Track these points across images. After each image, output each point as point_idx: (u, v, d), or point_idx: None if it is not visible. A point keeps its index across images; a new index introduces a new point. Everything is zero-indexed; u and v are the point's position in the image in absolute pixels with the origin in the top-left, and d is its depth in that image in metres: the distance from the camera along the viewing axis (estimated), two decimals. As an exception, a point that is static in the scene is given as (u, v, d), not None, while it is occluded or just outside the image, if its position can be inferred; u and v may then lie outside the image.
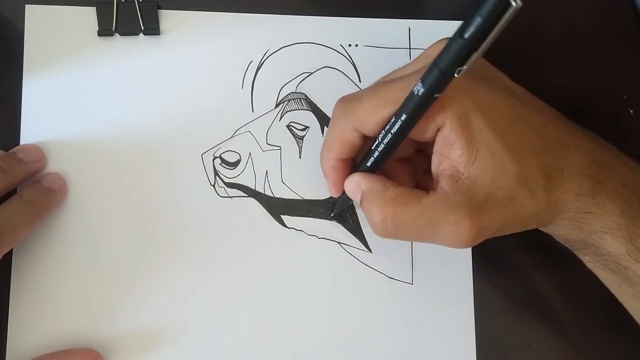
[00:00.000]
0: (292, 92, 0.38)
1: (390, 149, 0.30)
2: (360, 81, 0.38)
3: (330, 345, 0.36)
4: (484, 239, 0.29)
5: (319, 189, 0.37)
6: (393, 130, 0.29)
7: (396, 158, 0.34)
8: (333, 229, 0.37)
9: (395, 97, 0.29)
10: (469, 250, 0.37)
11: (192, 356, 0.35)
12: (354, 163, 0.33)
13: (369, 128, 0.30)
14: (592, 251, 0.31)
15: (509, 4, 0.21)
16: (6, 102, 0.36)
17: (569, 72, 0.39)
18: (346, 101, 0.32)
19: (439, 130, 0.29)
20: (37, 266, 0.34)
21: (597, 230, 0.30)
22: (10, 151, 0.34)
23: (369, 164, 0.31)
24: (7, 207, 0.32)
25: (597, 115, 0.39)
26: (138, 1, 0.37)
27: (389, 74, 0.33)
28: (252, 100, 0.37)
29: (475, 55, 0.24)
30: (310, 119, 0.38)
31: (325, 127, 0.38)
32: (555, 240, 0.33)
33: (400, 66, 0.32)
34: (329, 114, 0.38)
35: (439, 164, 0.30)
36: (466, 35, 0.24)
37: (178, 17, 0.37)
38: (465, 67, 0.25)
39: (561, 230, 0.32)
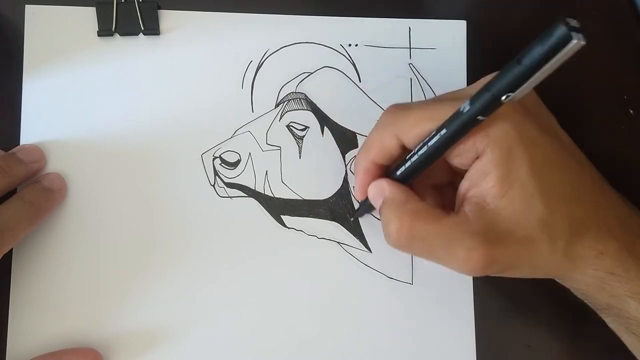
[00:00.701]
0: (292, 92, 0.38)
1: (424, 162, 0.30)
2: (360, 81, 0.38)
3: (331, 345, 0.36)
4: (492, 271, 0.29)
5: (319, 189, 0.37)
6: (430, 143, 0.29)
7: (429, 183, 0.34)
8: (333, 229, 0.37)
9: (443, 115, 0.28)
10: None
11: (192, 356, 0.35)
12: (386, 172, 0.33)
13: (410, 139, 0.30)
14: (614, 313, 0.31)
15: (570, 39, 0.22)
16: (6, 102, 0.36)
17: (569, 72, 0.39)
18: (396, 108, 0.31)
19: (477, 157, 0.29)
20: (37, 266, 0.34)
21: (621, 293, 0.30)
22: (10, 151, 0.35)
23: (399, 172, 0.31)
24: (7, 207, 0.32)
25: (597, 115, 0.39)
26: (138, 1, 0.37)
27: (443, 94, 0.32)
28: (252, 100, 0.37)
29: (527, 84, 0.24)
30: (310, 119, 0.38)
31: (325, 127, 0.38)
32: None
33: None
34: (329, 114, 0.38)
35: (467, 189, 0.30)
36: (523, 62, 0.24)
37: (178, 17, 0.37)
38: (513, 94, 0.25)
39: (581, 286, 0.31)
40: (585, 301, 0.33)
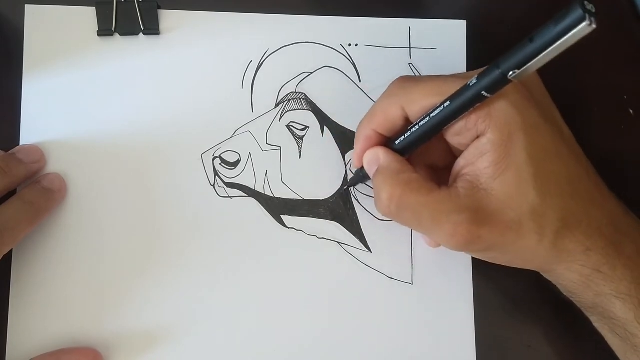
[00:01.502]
0: (292, 92, 0.38)
1: (424, 135, 0.30)
2: (360, 81, 0.38)
3: (330, 345, 0.36)
4: (476, 249, 0.30)
5: (319, 189, 0.37)
6: (432, 114, 0.29)
7: (425, 162, 0.34)
8: (333, 229, 0.37)
9: (450, 90, 0.28)
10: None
11: (192, 355, 0.35)
12: (386, 144, 0.33)
13: (415, 111, 0.30)
14: (599, 312, 0.31)
15: (584, 20, 0.22)
16: (6, 102, 0.36)
17: (569, 71, 0.39)
18: (405, 80, 0.32)
19: (477, 137, 0.29)
20: (37, 266, 0.34)
21: (606, 292, 0.30)
22: (10, 152, 0.34)
23: (397, 142, 0.31)
24: (6, 207, 0.32)
25: (597, 115, 0.39)
26: (138, 1, 0.37)
27: (456, 73, 0.32)
28: (252, 100, 0.37)
29: (534, 62, 0.24)
30: (310, 118, 0.38)
31: (325, 127, 0.38)
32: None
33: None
34: (329, 114, 0.38)
35: (462, 167, 0.30)
36: (536, 39, 0.24)
37: (178, 17, 0.37)
38: (519, 70, 0.25)
39: (566, 282, 0.31)
40: (572, 299, 0.33)
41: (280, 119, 0.37)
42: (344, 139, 0.37)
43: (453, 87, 0.28)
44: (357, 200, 0.37)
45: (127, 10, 0.37)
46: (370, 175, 0.32)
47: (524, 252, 0.30)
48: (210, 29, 0.37)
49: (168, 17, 0.37)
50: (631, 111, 0.39)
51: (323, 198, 0.37)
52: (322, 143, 0.37)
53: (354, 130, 0.37)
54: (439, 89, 0.29)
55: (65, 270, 0.35)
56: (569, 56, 0.39)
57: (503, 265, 0.37)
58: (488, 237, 0.29)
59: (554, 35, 0.23)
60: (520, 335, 0.37)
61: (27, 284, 0.34)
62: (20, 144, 0.35)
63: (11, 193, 0.34)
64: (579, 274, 0.30)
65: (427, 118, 0.29)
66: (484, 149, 0.29)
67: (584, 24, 0.22)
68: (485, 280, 0.37)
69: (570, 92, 0.39)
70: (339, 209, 0.37)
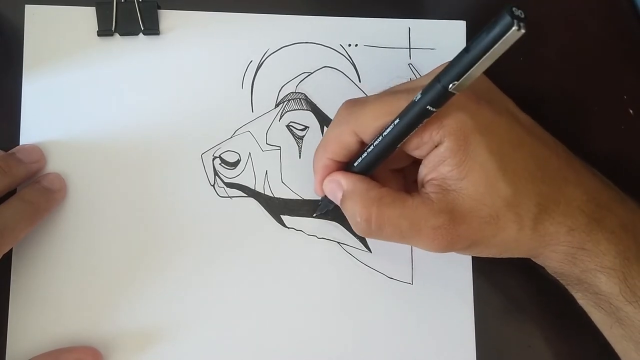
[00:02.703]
0: (292, 92, 0.38)
1: (380, 154, 0.30)
2: (360, 81, 0.38)
3: (330, 345, 0.36)
4: (459, 248, 0.30)
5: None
6: (385, 133, 0.29)
7: (388, 168, 0.34)
8: (333, 229, 0.37)
9: (398, 108, 0.29)
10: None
11: (191, 355, 0.35)
12: (345, 169, 0.33)
13: (368, 134, 0.30)
14: (584, 288, 0.31)
15: (512, 26, 0.23)
16: (6, 102, 0.36)
17: (569, 72, 0.39)
18: (351, 104, 0.32)
19: (436, 147, 0.29)
20: (37, 266, 0.34)
21: (591, 268, 0.30)
22: (10, 151, 0.34)
23: (356, 164, 0.32)
24: (6, 207, 0.32)
25: (597, 115, 0.39)
26: (138, 1, 0.37)
27: (397, 85, 0.33)
28: (251, 100, 0.37)
29: (472, 71, 0.25)
30: (310, 119, 0.38)
31: (325, 127, 0.38)
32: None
33: (406, 81, 0.33)
34: (329, 114, 0.38)
35: (427, 174, 0.30)
36: (471, 50, 0.24)
37: (178, 17, 0.37)
38: (458, 82, 0.25)
39: (553, 263, 0.32)
40: (559, 279, 0.33)
41: (280, 119, 0.37)
42: (344, 139, 0.37)
43: (401, 104, 0.29)
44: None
45: (127, 10, 0.37)
46: (337, 202, 0.32)
47: (506, 243, 0.30)
48: (210, 29, 0.37)
49: (168, 17, 0.37)
50: (631, 111, 0.39)
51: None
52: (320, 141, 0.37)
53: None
54: (387, 108, 0.30)
55: (65, 270, 0.35)
56: (569, 56, 0.39)
57: (503, 266, 0.37)
58: (467, 235, 0.29)
59: (487, 43, 0.24)
60: (520, 335, 0.37)
61: (27, 284, 0.34)
62: (20, 143, 0.35)
63: (11, 193, 0.34)
64: (564, 253, 0.30)
65: (380, 137, 0.29)
66: (443, 156, 0.29)
67: (512, 29, 0.23)
68: (485, 280, 0.37)
69: (570, 92, 0.39)
70: (339, 209, 0.37)
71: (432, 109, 0.27)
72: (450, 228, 0.29)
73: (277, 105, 0.37)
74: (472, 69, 0.25)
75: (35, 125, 0.36)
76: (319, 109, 0.38)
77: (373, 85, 0.38)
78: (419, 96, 0.27)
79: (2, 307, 0.34)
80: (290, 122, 0.37)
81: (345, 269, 0.36)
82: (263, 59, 0.38)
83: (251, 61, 0.38)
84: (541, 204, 0.29)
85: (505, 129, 0.30)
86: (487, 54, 0.24)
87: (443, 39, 0.38)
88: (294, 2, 0.38)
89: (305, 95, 0.38)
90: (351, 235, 0.37)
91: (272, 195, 0.37)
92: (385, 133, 0.29)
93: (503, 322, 0.37)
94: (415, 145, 0.30)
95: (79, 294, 0.34)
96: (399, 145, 0.30)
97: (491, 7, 0.39)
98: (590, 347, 0.37)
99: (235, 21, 0.38)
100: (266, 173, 0.37)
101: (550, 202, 0.30)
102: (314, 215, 0.37)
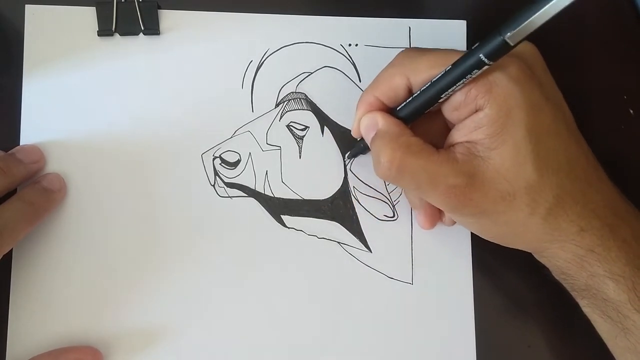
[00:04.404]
0: (292, 92, 0.38)
1: (425, 102, 0.30)
2: (360, 81, 0.38)
3: (330, 345, 0.36)
4: (467, 212, 0.30)
5: (319, 189, 0.37)
6: (434, 80, 0.29)
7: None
8: (333, 229, 0.37)
9: (454, 61, 0.29)
10: (469, 249, 0.37)
11: (191, 355, 0.35)
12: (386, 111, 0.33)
13: (419, 81, 0.31)
14: (592, 294, 0.31)
15: None
16: (6, 102, 0.36)
17: (569, 72, 0.39)
18: (411, 50, 0.33)
19: (475, 112, 0.29)
20: (37, 266, 0.34)
21: (600, 273, 0.30)
22: (10, 152, 0.34)
23: (398, 108, 0.32)
24: (6, 207, 0.32)
25: (597, 115, 0.39)
26: (138, 1, 0.37)
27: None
28: (252, 100, 0.37)
29: (530, 20, 0.25)
30: (310, 119, 0.38)
31: (325, 127, 0.38)
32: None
33: None
34: (329, 114, 0.38)
35: (458, 137, 0.30)
36: (535, 3, 0.25)
37: (178, 17, 0.37)
38: (516, 30, 0.25)
39: (560, 262, 0.31)
40: (564, 283, 0.33)
41: (280, 119, 0.37)
42: (344, 139, 0.37)
43: (457, 57, 0.29)
44: (357, 200, 0.37)
45: (127, 10, 0.37)
46: (367, 140, 0.33)
47: (514, 224, 0.30)
48: (210, 29, 0.37)
49: (168, 17, 0.37)
50: (631, 111, 0.39)
51: (323, 198, 0.37)
52: (322, 143, 0.37)
53: (354, 130, 0.37)
54: (444, 59, 0.30)
55: (65, 270, 0.35)
56: (569, 56, 0.39)
57: (504, 266, 0.37)
58: (480, 202, 0.29)
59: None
60: (520, 335, 0.37)
61: (27, 284, 0.34)
62: (20, 144, 0.35)
63: (11, 193, 0.34)
64: (572, 253, 0.30)
65: (429, 84, 0.30)
66: (480, 122, 0.29)
67: None
68: (485, 280, 0.37)
69: (570, 92, 0.39)
70: (339, 209, 0.37)
71: (485, 60, 0.27)
72: (465, 190, 0.29)
73: (277, 105, 0.37)
74: (532, 17, 0.25)
75: (35, 125, 0.36)
76: (319, 109, 0.38)
77: (373, 85, 0.38)
78: (477, 45, 0.27)
79: (2, 307, 0.34)
80: (291, 122, 0.37)
81: (345, 269, 0.36)
82: (263, 59, 0.38)
83: (251, 61, 0.38)
84: (560, 197, 0.29)
85: (548, 115, 0.30)
86: (550, 4, 0.24)
87: (443, 38, 0.38)
88: (294, 2, 0.38)
89: (306, 95, 0.38)
90: (351, 235, 0.37)
91: (272, 195, 0.37)
92: (434, 79, 0.29)
93: (503, 322, 0.37)
94: (457, 105, 0.30)
95: (78, 294, 0.35)
96: (443, 96, 0.29)
97: (491, 7, 0.39)
98: (590, 347, 0.37)
99: (235, 21, 0.38)
100: (266, 173, 0.37)
101: (569, 198, 0.30)
102: (347, 155, 0.37)
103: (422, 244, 0.37)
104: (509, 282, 0.37)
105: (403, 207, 0.37)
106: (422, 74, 0.30)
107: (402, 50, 0.33)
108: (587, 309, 0.33)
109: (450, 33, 0.39)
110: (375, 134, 0.32)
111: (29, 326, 0.34)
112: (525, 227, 0.30)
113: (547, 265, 0.33)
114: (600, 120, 0.39)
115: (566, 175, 0.30)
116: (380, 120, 0.32)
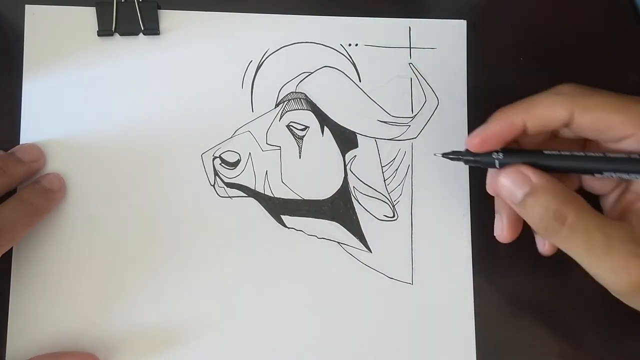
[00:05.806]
0: (292, 92, 0.38)
1: (587, 170, 0.28)
2: (360, 81, 0.38)
3: (330, 345, 0.36)
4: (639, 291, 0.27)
5: (319, 189, 0.37)
6: (610, 155, 0.27)
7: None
8: (333, 229, 0.37)
9: (628, 107, 0.26)
10: (469, 249, 0.37)
11: (191, 354, 0.35)
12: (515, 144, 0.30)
13: (584, 121, 0.27)
14: None
15: None
16: (6, 102, 0.36)
17: (569, 72, 0.39)
18: (579, 85, 0.29)
19: None
20: (37, 266, 0.34)
21: None
22: (9, 151, 0.35)
23: (547, 152, 0.29)
24: (5, 207, 0.32)
25: (597, 115, 0.39)
26: (138, 1, 0.37)
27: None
28: (252, 100, 0.37)
29: None
30: (310, 118, 0.37)
31: (325, 127, 0.37)
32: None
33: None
34: (329, 114, 0.38)
35: (634, 201, 0.28)
36: None
37: (178, 17, 0.37)
38: None
39: None
40: None
41: (280, 119, 0.37)
42: (344, 139, 0.37)
43: (633, 106, 0.26)
44: (357, 200, 0.37)
45: (127, 10, 0.37)
46: (514, 198, 0.29)
47: None
48: (210, 29, 0.37)
49: (168, 17, 0.37)
50: (631, 111, 0.39)
51: (323, 198, 0.37)
52: (322, 143, 0.37)
53: (354, 130, 0.37)
54: (618, 102, 0.27)
55: (65, 270, 0.35)
56: (569, 56, 0.39)
57: (503, 266, 0.37)
58: None
59: None
60: (520, 335, 0.37)
61: (27, 283, 0.34)
62: (20, 143, 0.35)
63: (10, 193, 0.34)
64: None
65: (601, 154, 0.27)
66: None
67: None
68: (485, 280, 0.37)
69: (570, 92, 0.39)
70: (339, 209, 0.37)
71: None
72: None
73: (277, 105, 0.37)
74: None
75: (35, 125, 0.36)
76: (319, 108, 0.38)
77: (373, 85, 0.38)
78: None
79: (2, 307, 0.34)
80: (291, 122, 0.37)
81: (345, 269, 0.36)
82: (263, 59, 0.38)
83: (251, 61, 0.38)
84: None
85: None
86: None
87: (444, 38, 0.38)
88: (294, 2, 0.38)
89: (306, 95, 0.38)
90: (351, 235, 0.37)
91: (272, 195, 0.37)
92: (608, 154, 0.27)
93: (503, 322, 0.37)
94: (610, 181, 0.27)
95: (78, 294, 0.35)
96: (614, 175, 0.27)
97: (491, 7, 0.39)
98: (590, 347, 0.37)
99: (235, 21, 0.38)
100: (266, 173, 0.37)
101: None
102: (441, 154, 0.33)
103: (422, 244, 0.37)
104: (509, 282, 0.37)
105: (403, 207, 0.37)
106: (591, 112, 0.27)
107: (567, 83, 0.29)
108: None
109: (450, 33, 0.39)
110: (532, 189, 0.28)
111: (29, 326, 0.34)
112: None
113: None
114: (601, 120, 0.39)
115: None
116: (533, 175, 0.28)
